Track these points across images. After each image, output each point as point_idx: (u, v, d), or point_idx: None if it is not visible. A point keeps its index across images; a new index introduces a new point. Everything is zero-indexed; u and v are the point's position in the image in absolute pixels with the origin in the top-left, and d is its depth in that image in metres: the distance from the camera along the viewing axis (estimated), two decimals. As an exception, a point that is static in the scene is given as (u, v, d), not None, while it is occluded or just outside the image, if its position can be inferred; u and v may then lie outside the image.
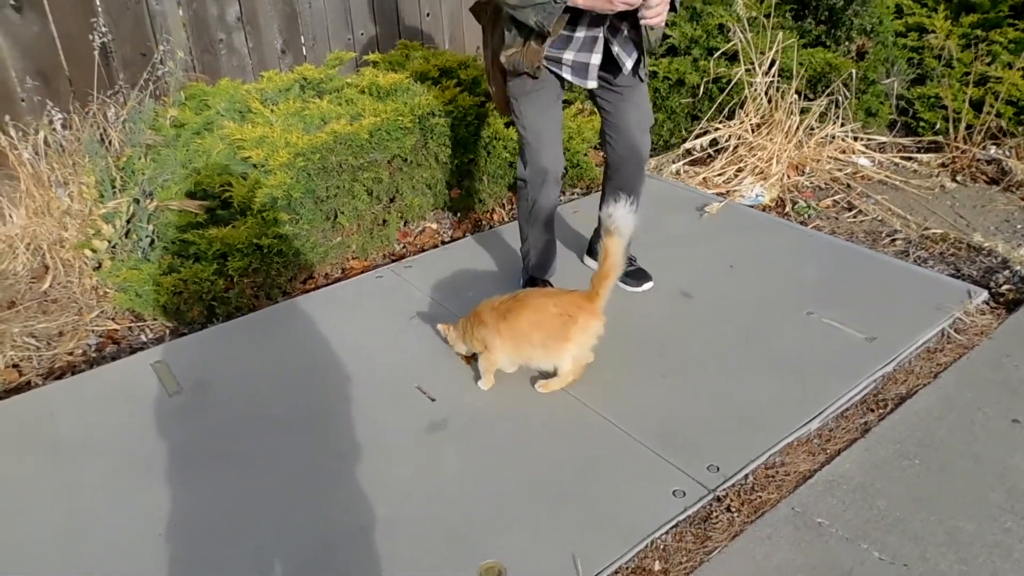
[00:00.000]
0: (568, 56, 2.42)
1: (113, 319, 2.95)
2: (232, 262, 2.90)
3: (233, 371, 2.56)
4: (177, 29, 3.79)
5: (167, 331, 2.89)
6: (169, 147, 3.41)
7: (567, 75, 2.47)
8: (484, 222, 3.63)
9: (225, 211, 3.12)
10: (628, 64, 2.45)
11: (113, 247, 3.06)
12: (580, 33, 2.37)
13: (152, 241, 3.11)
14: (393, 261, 3.29)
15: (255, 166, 3.14)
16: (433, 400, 2.39)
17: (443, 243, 3.45)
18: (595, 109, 2.76)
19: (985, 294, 2.81)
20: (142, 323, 2.93)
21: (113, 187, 3.13)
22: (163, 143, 3.42)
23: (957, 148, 3.92)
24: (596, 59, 2.41)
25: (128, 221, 3.08)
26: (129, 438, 2.27)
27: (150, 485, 2.09)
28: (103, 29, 3.41)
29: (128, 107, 3.45)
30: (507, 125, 3.52)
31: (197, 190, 3.18)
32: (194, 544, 1.92)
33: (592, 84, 2.46)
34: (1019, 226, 3.39)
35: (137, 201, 3.10)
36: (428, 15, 4.61)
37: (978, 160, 3.86)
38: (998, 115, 3.87)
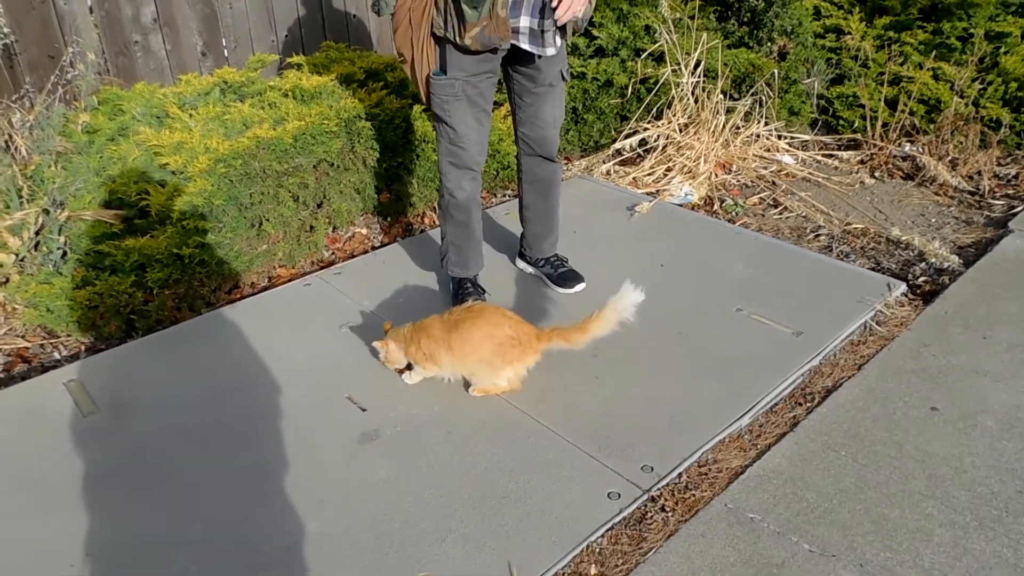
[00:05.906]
0: (524, 22, 2.35)
1: (23, 336, 2.79)
2: (151, 273, 2.78)
3: (153, 388, 2.45)
4: (88, 30, 3.62)
5: (82, 348, 2.75)
6: (81, 154, 3.25)
7: (524, 44, 2.39)
8: (415, 225, 3.58)
9: (143, 220, 2.99)
10: (551, 49, 2.41)
11: (21, 260, 2.90)
12: None
13: (64, 253, 2.96)
14: (322, 268, 3.21)
15: (174, 173, 3.03)
16: (364, 410, 2.33)
17: (373, 248, 3.39)
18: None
19: (904, 286, 2.90)
20: (55, 340, 2.78)
21: (20, 197, 2.96)
22: (75, 150, 3.26)
23: (875, 145, 4.06)
24: (549, 22, 2.35)
25: (37, 233, 2.92)
26: (39, 463, 2.15)
27: (62, 513, 1.98)
28: (5, 30, 3.24)
29: (36, 112, 3.28)
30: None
31: (112, 199, 3.04)
32: (111, 574, 1.82)
33: (551, 51, 2.42)
34: (933, 220, 3.53)
35: (47, 211, 2.95)
36: (354, 17, 4.53)
37: (894, 156, 4.00)
38: (911, 113, 4.02)
